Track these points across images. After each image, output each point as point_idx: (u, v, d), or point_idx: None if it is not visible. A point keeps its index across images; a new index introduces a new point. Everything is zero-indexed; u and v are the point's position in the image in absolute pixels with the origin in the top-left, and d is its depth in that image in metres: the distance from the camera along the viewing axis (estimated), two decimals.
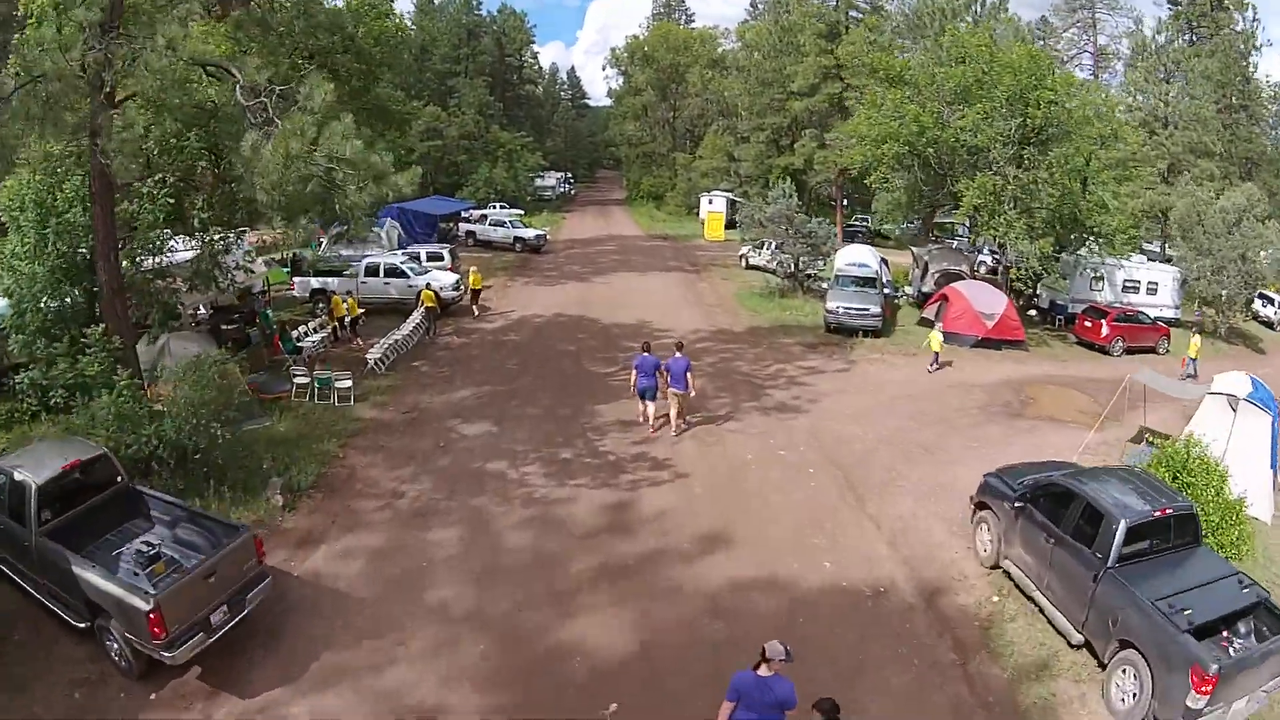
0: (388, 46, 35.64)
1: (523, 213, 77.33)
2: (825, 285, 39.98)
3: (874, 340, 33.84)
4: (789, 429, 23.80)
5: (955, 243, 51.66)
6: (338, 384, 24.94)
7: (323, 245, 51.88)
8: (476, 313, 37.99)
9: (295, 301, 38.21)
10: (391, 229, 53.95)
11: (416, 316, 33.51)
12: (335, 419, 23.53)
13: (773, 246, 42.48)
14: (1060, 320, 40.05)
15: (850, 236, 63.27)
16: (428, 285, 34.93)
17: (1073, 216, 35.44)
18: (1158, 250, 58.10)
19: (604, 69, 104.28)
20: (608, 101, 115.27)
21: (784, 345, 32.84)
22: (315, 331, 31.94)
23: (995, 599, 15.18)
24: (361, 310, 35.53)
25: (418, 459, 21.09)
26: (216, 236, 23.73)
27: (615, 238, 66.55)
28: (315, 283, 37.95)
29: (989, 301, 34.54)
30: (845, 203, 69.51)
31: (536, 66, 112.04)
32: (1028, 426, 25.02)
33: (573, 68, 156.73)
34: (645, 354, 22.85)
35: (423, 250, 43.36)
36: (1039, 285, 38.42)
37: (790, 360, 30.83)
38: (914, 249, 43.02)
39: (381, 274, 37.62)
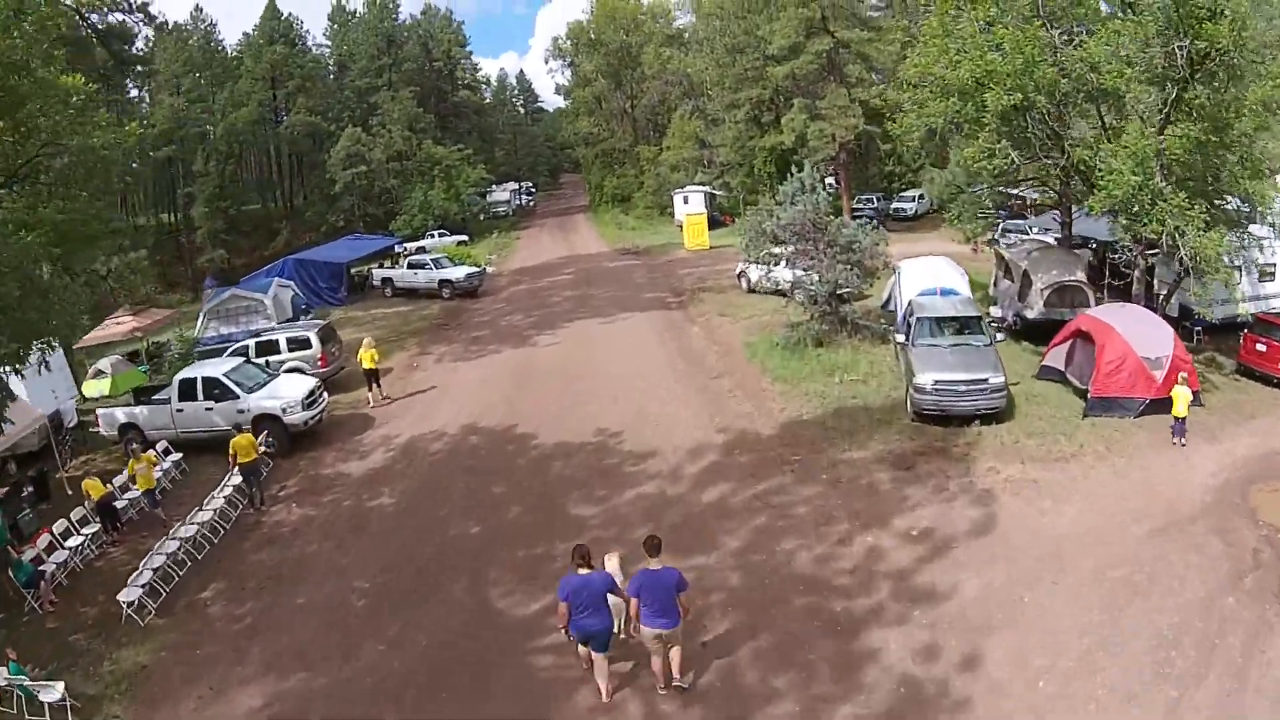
0: None
1: (467, 239, 62.44)
2: (887, 325, 25.05)
3: (997, 431, 18.67)
4: None
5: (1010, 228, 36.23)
6: (43, 697, 12.59)
7: (199, 323, 37.55)
8: (372, 402, 25.61)
9: (106, 444, 24.34)
10: (282, 291, 39.08)
11: (226, 487, 18.78)
12: None
13: (791, 265, 27.08)
14: (1198, 333, 24.36)
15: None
16: (238, 427, 19.87)
17: (1214, 186, 20.73)
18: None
19: (546, 62, 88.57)
20: (564, 102, 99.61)
21: (855, 467, 17.61)
22: (83, 526, 17.94)
23: None
24: (171, 460, 21.39)
25: None
26: None
27: (575, 260, 51.02)
28: (123, 414, 23.85)
29: (1153, 339, 19.42)
30: (837, 182, 54.24)
31: (476, 69, 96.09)
32: None
33: (521, 71, 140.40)
34: (582, 571, 11.05)
35: (282, 336, 28.04)
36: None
37: (879, 513, 15.65)
38: (1003, 249, 27.57)
39: (200, 394, 22.86)
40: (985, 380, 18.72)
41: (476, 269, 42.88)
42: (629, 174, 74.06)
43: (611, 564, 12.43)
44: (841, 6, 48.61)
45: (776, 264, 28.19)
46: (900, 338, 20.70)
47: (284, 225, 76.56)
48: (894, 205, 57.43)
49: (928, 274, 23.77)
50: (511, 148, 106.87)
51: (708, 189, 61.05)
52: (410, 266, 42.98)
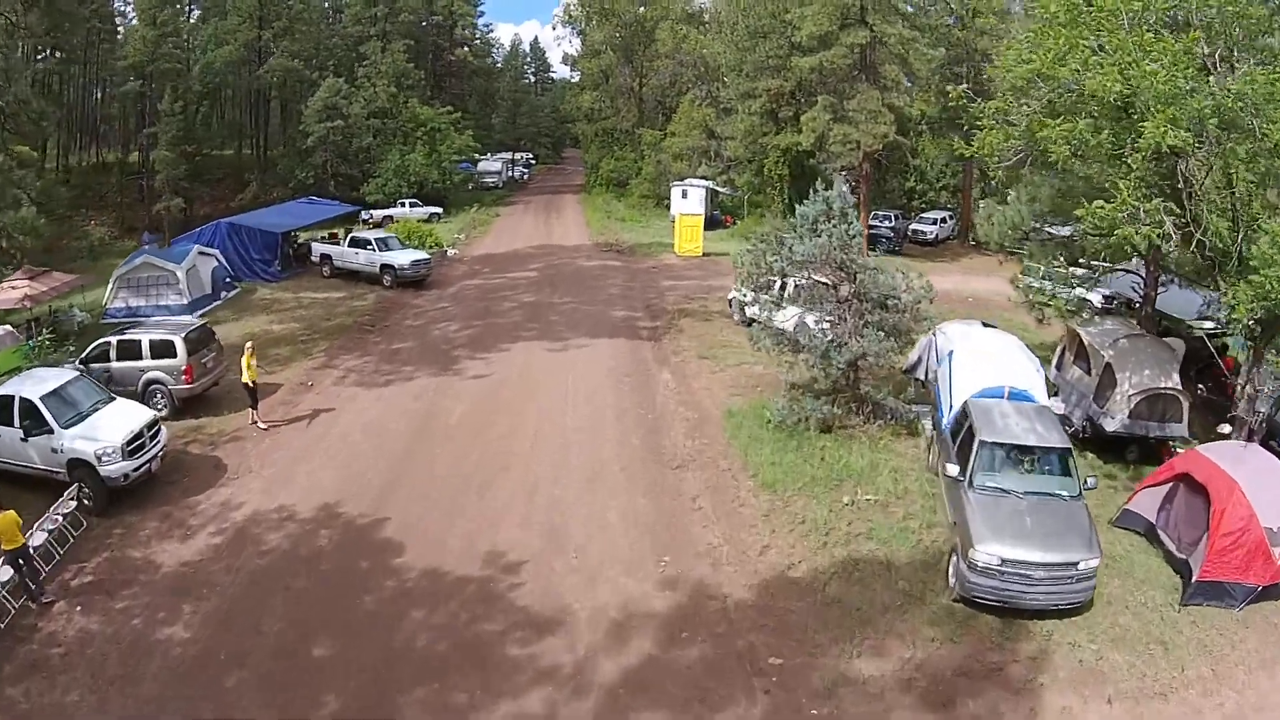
0: None
1: (440, 212, 55.37)
2: (919, 406, 18.44)
3: (1073, 633, 11.99)
4: None
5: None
6: None
7: (108, 291, 30.76)
8: (261, 424, 19.81)
9: None
10: (202, 261, 32.26)
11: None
12: None
13: (800, 312, 20.22)
14: None
15: (872, 243, 40.67)
16: None
17: None
18: None
19: (554, 28, 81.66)
20: (570, 73, 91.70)
21: (865, 695, 10.76)
22: None
23: None
24: None
25: None
26: None
27: (548, 251, 43.66)
28: None
29: (1278, 501, 12.91)
30: (854, 194, 47.06)
31: (489, 29, 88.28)
32: None
33: (536, 39, 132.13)
34: None
35: (145, 337, 21.04)
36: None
37: None
38: (1079, 326, 20.20)
39: (16, 419, 16.39)
40: (1074, 565, 11.90)
41: (424, 257, 35.59)
42: (628, 157, 66.56)
43: None
44: None
45: (780, 307, 21.33)
46: (951, 470, 13.61)
47: (255, 176, 69.02)
48: (913, 227, 50.20)
49: (990, 361, 16.51)
50: (510, 116, 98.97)
51: (710, 184, 53.86)
52: (352, 244, 35.78)
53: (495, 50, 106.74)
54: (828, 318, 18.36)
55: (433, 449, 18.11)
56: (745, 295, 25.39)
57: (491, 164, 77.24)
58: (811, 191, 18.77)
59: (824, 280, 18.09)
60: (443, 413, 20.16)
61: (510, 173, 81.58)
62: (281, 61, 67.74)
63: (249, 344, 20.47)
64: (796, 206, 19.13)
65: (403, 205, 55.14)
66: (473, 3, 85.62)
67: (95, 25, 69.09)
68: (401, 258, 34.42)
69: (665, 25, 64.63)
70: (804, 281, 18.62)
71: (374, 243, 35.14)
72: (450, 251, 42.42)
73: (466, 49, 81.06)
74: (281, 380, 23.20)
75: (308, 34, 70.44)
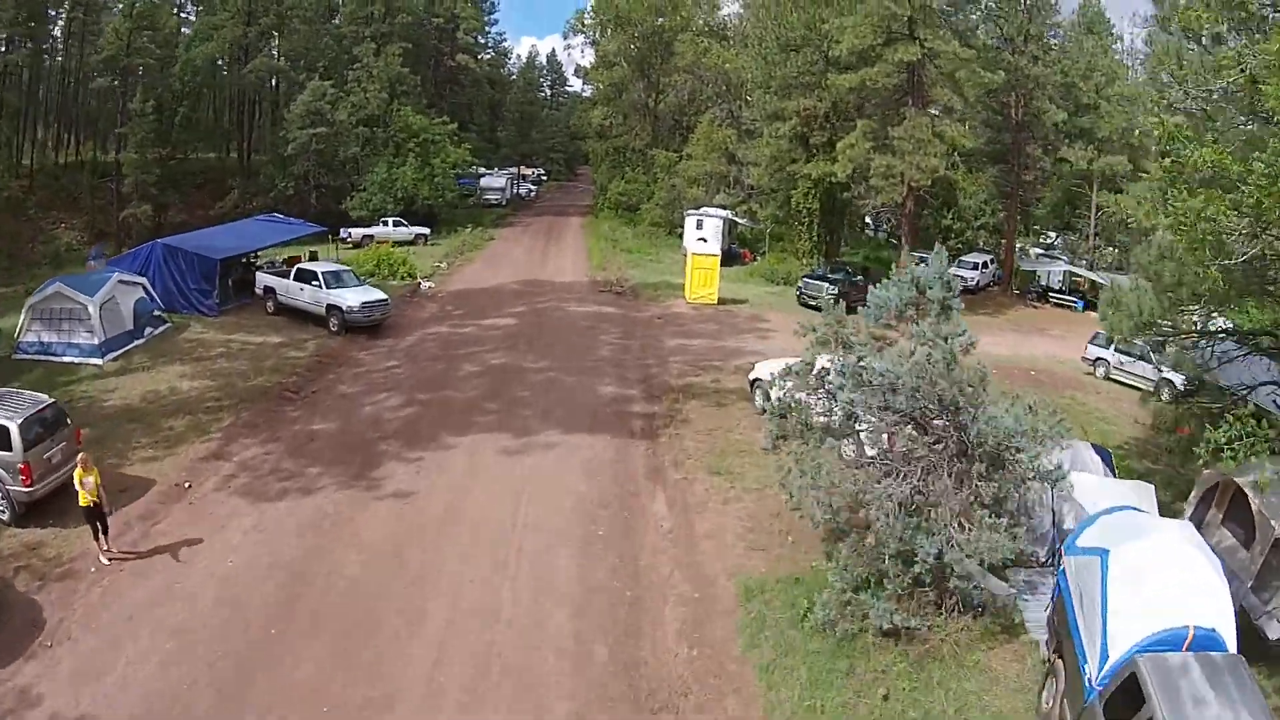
0: None
1: (427, 233, 49.63)
2: (1014, 593, 12.39)
3: None
4: None
5: None
6: None
7: (21, 321, 25.28)
8: (104, 556, 14.09)
9: None
10: (124, 291, 26.55)
11: None
12: None
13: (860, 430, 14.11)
14: None
15: None
16: None
17: None
18: None
19: (565, 37, 76.37)
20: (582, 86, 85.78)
21: None
22: None
23: None
24: None
25: None
26: None
27: (537, 290, 37.20)
28: None
29: None
30: (897, 239, 40.83)
31: (502, 38, 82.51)
32: None
33: (553, 51, 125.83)
34: None
35: None
36: None
37: None
38: (1244, 482, 13.23)
39: None
40: None
41: (380, 297, 29.27)
42: (640, 179, 60.51)
43: None
44: (935, 10, 35.36)
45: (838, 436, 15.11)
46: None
47: (237, 183, 63.33)
48: (952, 271, 43.91)
49: (1161, 575, 9.67)
50: (520, 129, 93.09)
51: (729, 214, 47.83)
52: (297, 278, 29.75)
53: (511, 61, 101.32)
54: (914, 490, 12.07)
55: (293, 654, 11.83)
56: (763, 372, 19.41)
57: (495, 179, 71.34)
58: (893, 268, 12.72)
59: (909, 417, 11.92)
60: (325, 573, 13.83)
61: (515, 189, 75.61)
62: (265, 61, 62.32)
63: (81, 455, 14.51)
64: (874, 291, 13.04)
65: (386, 224, 49.32)
66: (482, 9, 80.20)
67: (78, 16, 64.47)
68: (351, 298, 28.25)
69: (685, 37, 58.72)
70: (876, 414, 12.35)
71: (321, 277, 28.98)
72: (425, 284, 36.38)
73: (469, 56, 75.18)
74: (157, 475, 17.28)
75: (301, 32, 65.01)
